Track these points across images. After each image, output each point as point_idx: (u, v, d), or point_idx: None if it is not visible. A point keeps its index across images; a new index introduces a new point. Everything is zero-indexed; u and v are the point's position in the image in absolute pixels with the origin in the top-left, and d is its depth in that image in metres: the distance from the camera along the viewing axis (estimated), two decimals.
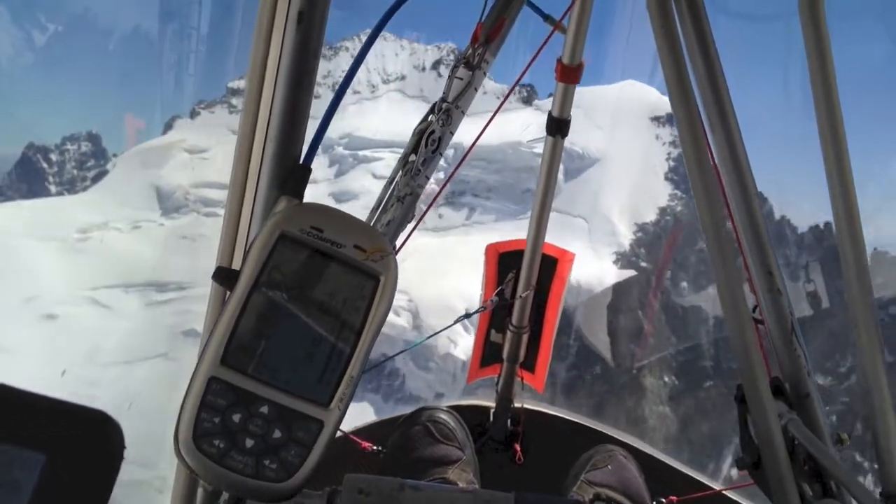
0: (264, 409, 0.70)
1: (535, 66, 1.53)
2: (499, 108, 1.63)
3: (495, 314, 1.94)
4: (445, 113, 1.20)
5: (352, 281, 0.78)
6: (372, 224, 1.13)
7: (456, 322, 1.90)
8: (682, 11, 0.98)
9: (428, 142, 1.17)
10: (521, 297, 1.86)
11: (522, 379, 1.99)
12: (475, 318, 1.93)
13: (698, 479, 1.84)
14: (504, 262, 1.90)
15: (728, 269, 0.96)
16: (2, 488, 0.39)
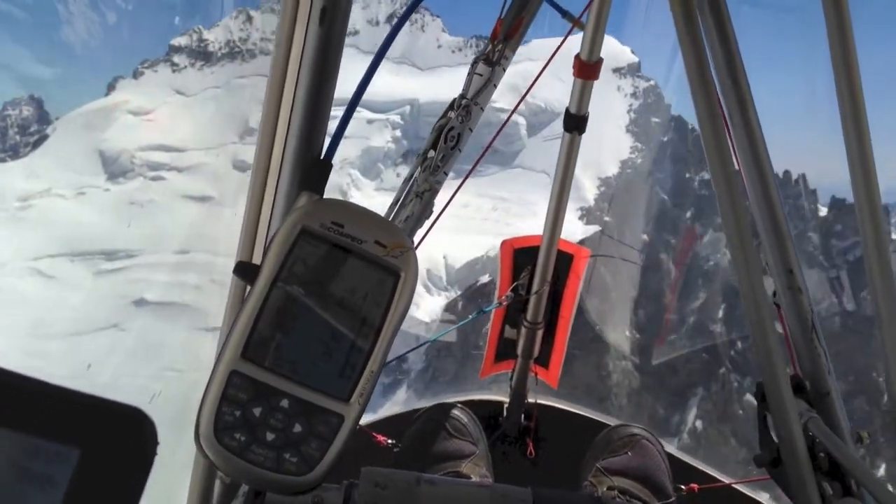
0: (285, 403, 0.70)
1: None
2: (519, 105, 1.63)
3: (510, 310, 1.94)
4: (465, 109, 1.20)
5: (372, 276, 0.78)
6: (390, 220, 1.13)
7: (471, 319, 1.90)
8: (703, 4, 0.97)
9: (447, 138, 1.17)
10: (536, 293, 1.86)
11: (536, 375, 1.99)
12: (490, 314, 1.94)
13: (710, 472, 1.84)
14: (519, 258, 1.90)
15: (750, 268, 0.95)
16: (36, 483, 0.39)
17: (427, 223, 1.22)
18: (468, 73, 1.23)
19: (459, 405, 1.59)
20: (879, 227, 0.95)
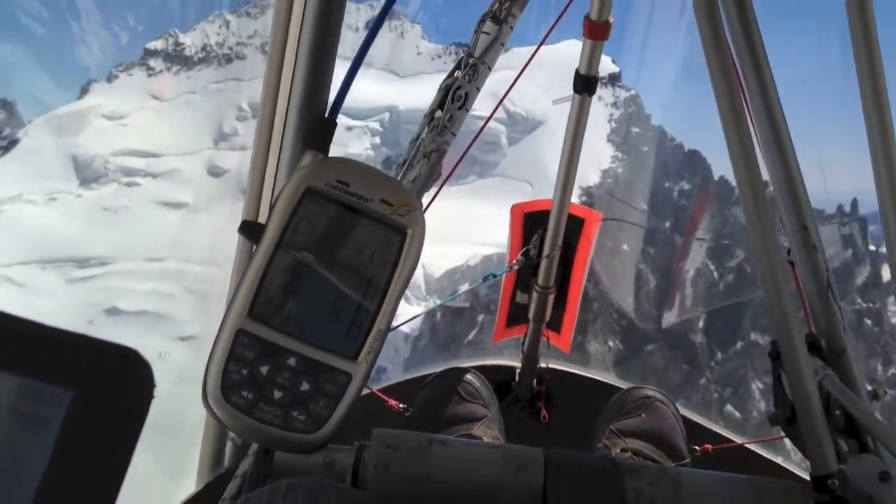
0: (292, 362, 0.70)
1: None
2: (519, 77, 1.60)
3: (521, 274, 1.93)
4: (472, 68, 1.18)
5: (379, 235, 0.77)
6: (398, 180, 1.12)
7: (482, 283, 1.89)
8: None
9: (454, 97, 1.15)
10: (546, 257, 1.85)
11: (548, 339, 1.98)
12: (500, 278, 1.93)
13: (723, 433, 1.84)
14: (530, 222, 1.88)
15: (763, 225, 0.94)
16: (29, 424, 0.39)
17: (435, 187, 1.21)
18: (474, 32, 1.20)
19: (472, 369, 1.59)
20: None
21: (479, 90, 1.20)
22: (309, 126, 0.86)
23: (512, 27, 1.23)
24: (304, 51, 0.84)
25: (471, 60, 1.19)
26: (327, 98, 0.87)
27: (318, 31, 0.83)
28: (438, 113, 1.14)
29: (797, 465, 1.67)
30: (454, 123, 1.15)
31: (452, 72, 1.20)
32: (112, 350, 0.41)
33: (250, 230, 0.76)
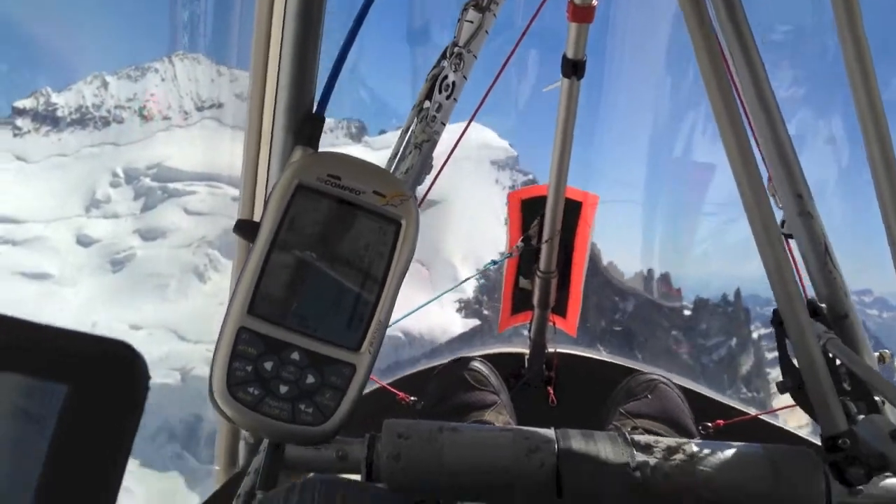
0: (295, 356, 0.71)
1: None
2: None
3: (522, 261, 1.94)
4: (457, 57, 1.18)
5: (373, 226, 0.78)
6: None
7: (483, 270, 1.90)
8: None
9: (441, 87, 1.16)
10: (546, 241, 1.85)
11: (555, 324, 1.99)
12: (502, 265, 1.93)
13: (733, 405, 1.84)
14: (527, 208, 1.89)
15: (755, 190, 0.94)
16: (22, 420, 0.39)
17: (428, 179, 1.21)
18: (458, 20, 1.21)
19: (480, 358, 1.60)
20: None
21: (465, 78, 1.20)
22: (297, 123, 0.87)
23: (495, 14, 1.24)
24: (288, 48, 0.85)
25: (456, 49, 1.19)
26: (314, 94, 0.88)
27: (300, 27, 0.83)
28: (427, 103, 1.15)
29: (810, 434, 1.68)
30: (443, 113, 1.15)
31: (438, 62, 1.20)
32: (105, 343, 0.41)
33: (245, 229, 0.77)
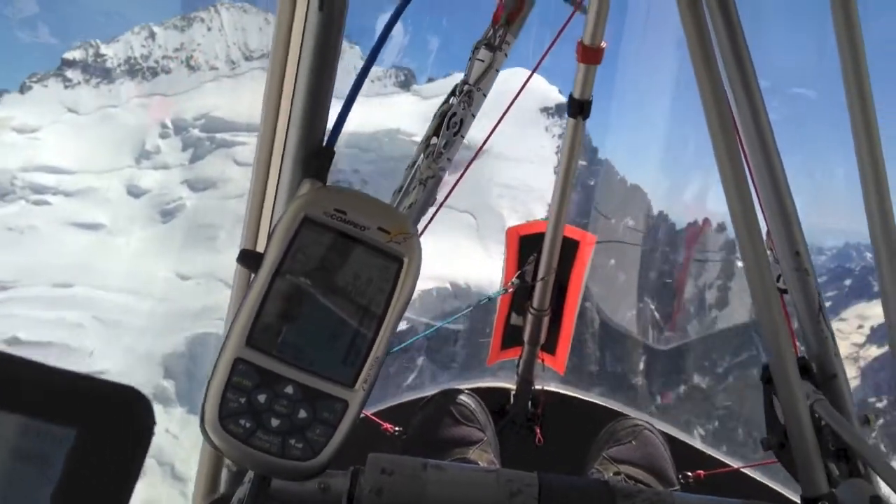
0: (289, 390, 0.70)
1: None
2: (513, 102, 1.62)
3: (516, 297, 1.94)
4: (467, 95, 1.20)
5: (376, 263, 0.78)
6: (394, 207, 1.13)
7: (477, 304, 1.91)
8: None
9: (449, 124, 1.17)
10: (541, 279, 1.86)
11: (543, 361, 1.99)
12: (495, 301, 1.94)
13: (717, 457, 1.84)
14: (525, 244, 1.90)
15: (755, 249, 0.95)
16: (32, 463, 0.39)
17: (430, 211, 1.22)
18: (469, 59, 1.23)
19: (467, 391, 1.59)
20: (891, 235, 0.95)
21: (474, 116, 1.22)
22: (307, 156, 0.88)
23: (506, 54, 1.26)
24: (302, 80, 0.86)
25: (465, 87, 1.21)
26: (325, 127, 0.89)
27: (315, 61, 0.84)
28: (434, 139, 1.16)
29: (792, 491, 1.68)
30: (450, 149, 1.16)
31: (448, 98, 1.22)
32: (112, 389, 0.42)
33: (249, 259, 0.77)
